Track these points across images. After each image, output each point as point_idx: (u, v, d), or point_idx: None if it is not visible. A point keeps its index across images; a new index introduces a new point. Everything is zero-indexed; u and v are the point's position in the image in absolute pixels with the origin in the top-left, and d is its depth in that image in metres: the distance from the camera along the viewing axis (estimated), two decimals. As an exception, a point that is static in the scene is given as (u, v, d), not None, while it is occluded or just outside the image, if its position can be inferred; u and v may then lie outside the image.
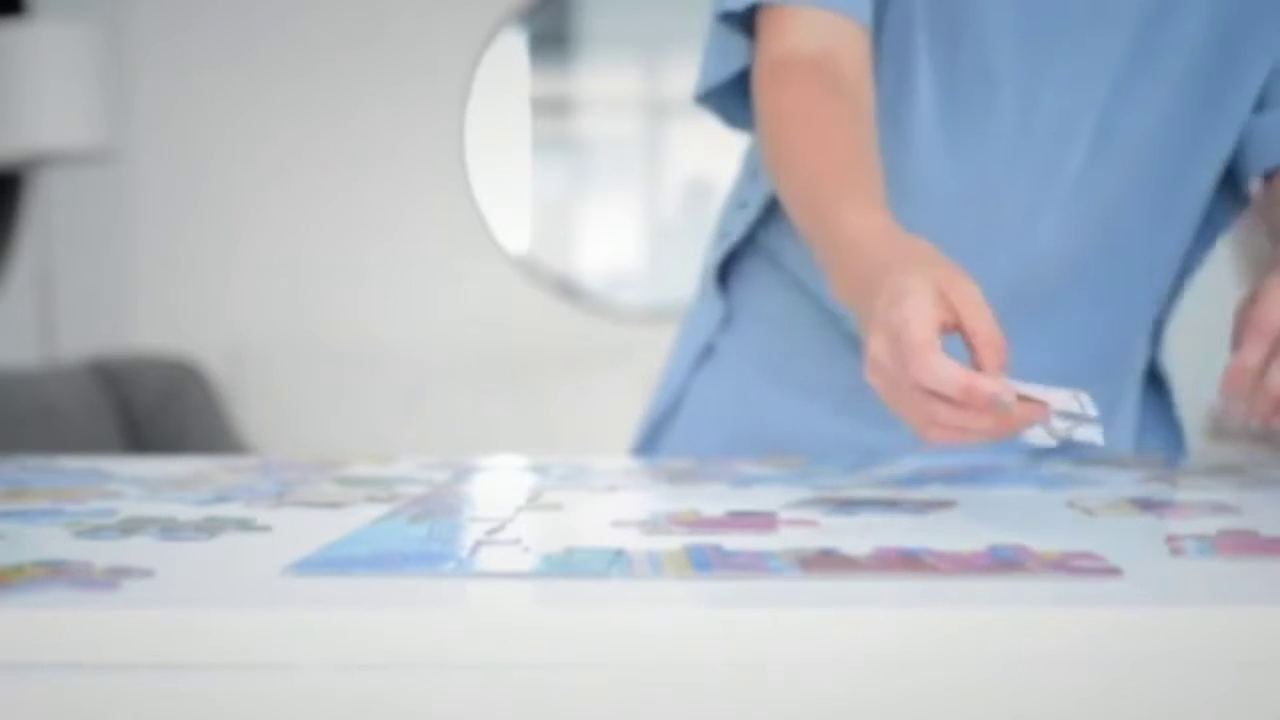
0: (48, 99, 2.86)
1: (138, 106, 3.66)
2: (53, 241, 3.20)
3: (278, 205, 3.72)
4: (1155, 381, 1.35)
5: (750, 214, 1.27)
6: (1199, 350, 3.67)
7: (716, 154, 2.75)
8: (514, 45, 3.75)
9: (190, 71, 3.71)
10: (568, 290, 3.71)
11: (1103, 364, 1.24)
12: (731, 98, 1.20)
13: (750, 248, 1.29)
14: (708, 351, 1.31)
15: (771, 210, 1.26)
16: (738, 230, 1.28)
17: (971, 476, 1.05)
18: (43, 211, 3.20)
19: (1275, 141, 1.20)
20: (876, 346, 0.84)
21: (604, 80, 3.96)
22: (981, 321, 0.83)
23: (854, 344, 1.21)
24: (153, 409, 3.11)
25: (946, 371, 0.80)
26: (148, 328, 3.66)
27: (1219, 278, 3.53)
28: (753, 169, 1.28)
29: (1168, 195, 1.20)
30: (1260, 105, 1.20)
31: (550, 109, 3.91)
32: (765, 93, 1.10)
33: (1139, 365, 1.30)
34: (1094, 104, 1.14)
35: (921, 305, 0.82)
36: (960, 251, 1.09)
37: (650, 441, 1.33)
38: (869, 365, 0.85)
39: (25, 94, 2.85)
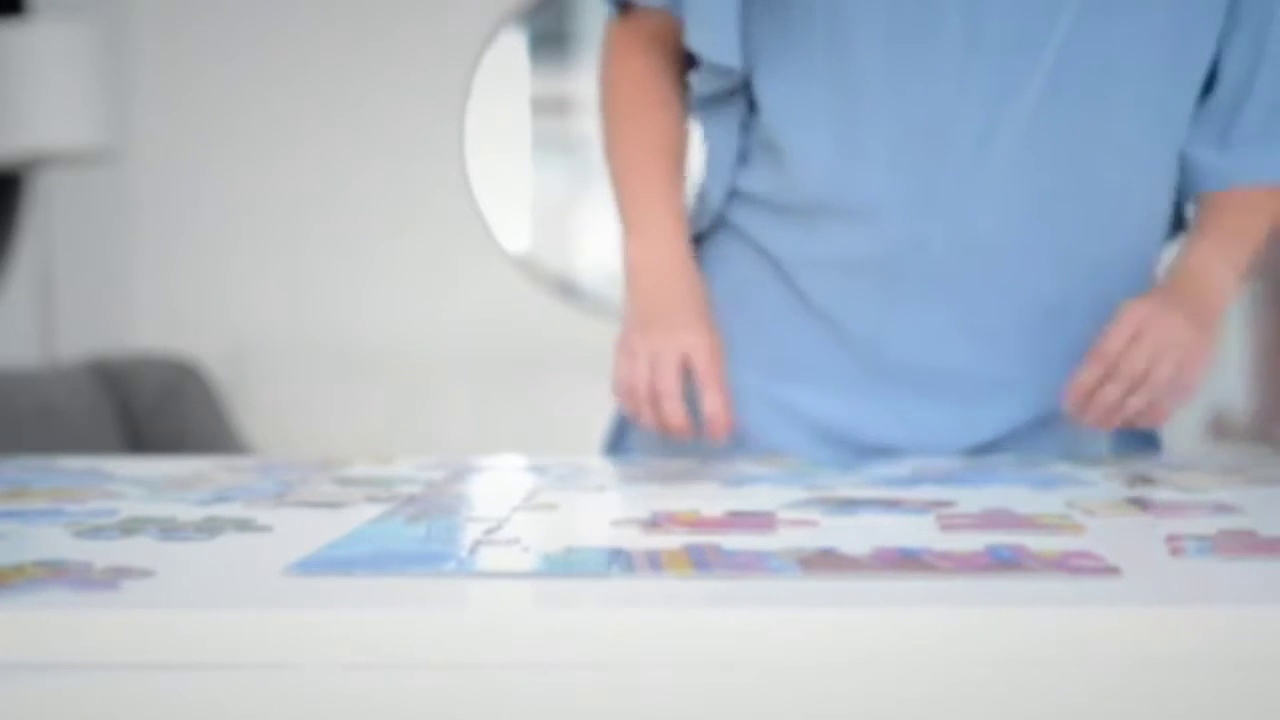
0: (48, 99, 2.85)
1: (138, 106, 3.66)
2: (53, 241, 3.20)
3: (278, 205, 3.72)
4: None
5: (709, 201, 1.29)
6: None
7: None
8: (514, 45, 3.74)
9: (190, 71, 3.71)
10: (568, 290, 3.71)
11: (1063, 323, 1.21)
12: None
13: (719, 224, 1.30)
14: None
15: (738, 194, 1.27)
16: (701, 218, 1.30)
17: (971, 476, 1.05)
18: (43, 211, 3.20)
19: (1202, 175, 1.22)
20: (638, 372, 1.18)
21: (604, 80, 3.94)
22: (709, 379, 1.16)
23: (818, 318, 1.23)
24: (153, 409, 3.11)
25: (677, 416, 1.16)
26: (148, 328, 3.66)
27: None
28: (710, 156, 1.30)
29: (1138, 140, 1.19)
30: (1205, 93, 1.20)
31: (550, 109, 3.91)
32: (617, 52, 1.28)
33: None
34: (1048, 30, 1.14)
35: (671, 365, 1.16)
36: (909, 181, 1.16)
37: (618, 438, 1.34)
38: (628, 378, 1.18)
39: (25, 94, 2.85)
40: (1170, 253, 1.26)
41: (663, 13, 1.24)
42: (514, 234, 3.75)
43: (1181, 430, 3.59)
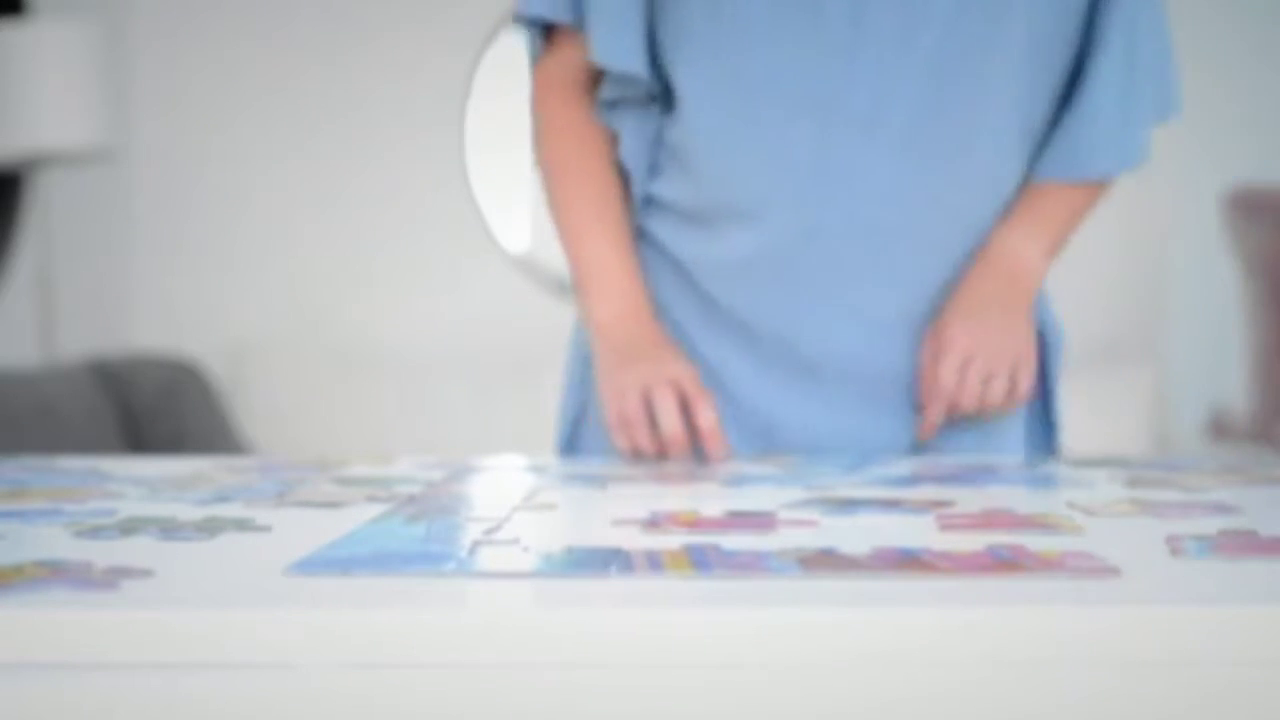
0: (48, 99, 2.85)
1: (138, 106, 3.66)
2: (53, 241, 3.20)
3: (278, 205, 3.72)
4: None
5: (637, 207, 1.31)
6: (1199, 350, 3.66)
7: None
8: (514, 45, 3.74)
9: (190, 71, 3.71)
10: (568, 290, 3.71)
11: None
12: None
13: (637, 234, 1.31)
14: None
15: (651, 202, 1.29)
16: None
17: (970, 476, 1.05)
18: (43, 211, 3.20)
19: (1058, 161, 1.26)
20: (630, 405, 1.17)
21: (604, 80, 3.94)
22: (701, 400, 1.17)
23: (729, 322, 1.25)
24: (153, 409, 3.11)
25: (676, 430, 1.16)
26: (147, 328, 3.66)
27: (1219, 278, 3.54)
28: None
29: (1006, 130, 1.22)
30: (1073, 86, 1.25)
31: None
32: (544, 102, 1.30)
33: None
34: (928, 31, 1.17)
35: (665, 388, 1.17)
36: (799, 172, 1.20)
37: (570, 443, 1.34)
38: (621, 413, 1.18)
39: (25, 94, 2.85)
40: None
41: (581, 49, 1.25)
42: (514, 234, 3.75)
43: (1182, 430, 3.60)
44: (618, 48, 1.22)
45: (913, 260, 1.22)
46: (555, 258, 4.33)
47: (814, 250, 1.21)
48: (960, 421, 1.25)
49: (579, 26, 1.25)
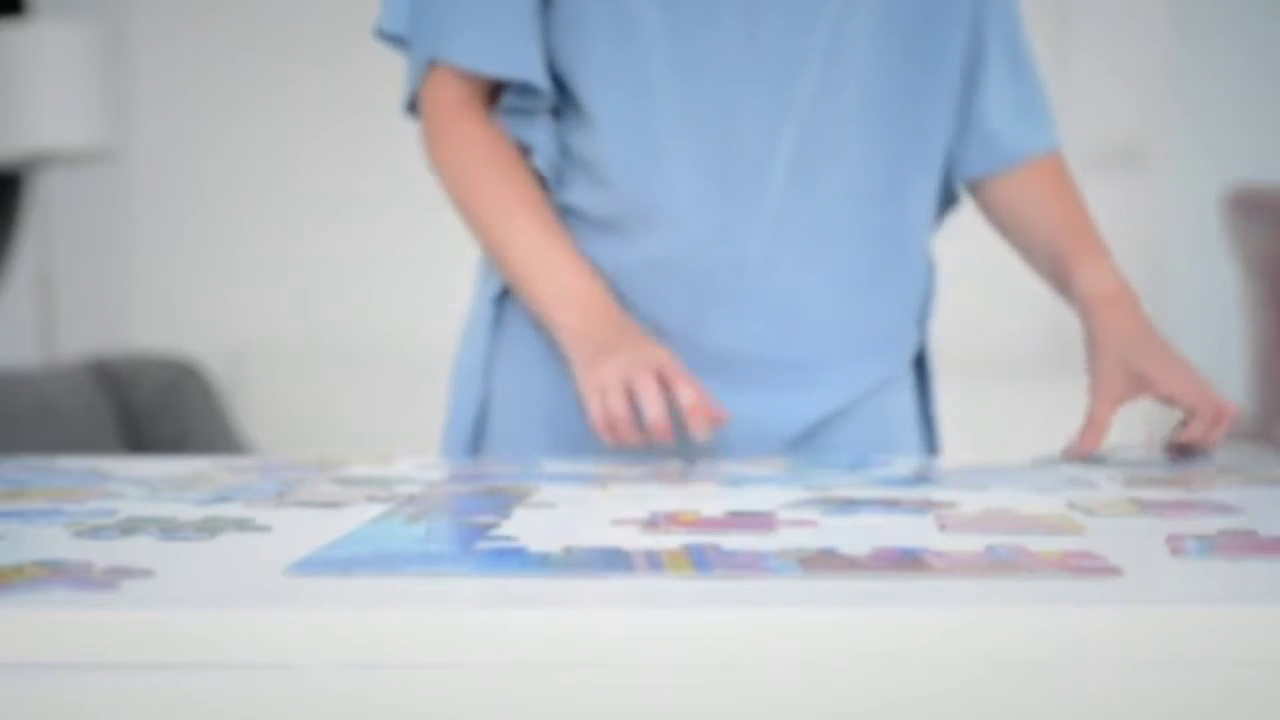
0: (48, 99, 2.85)
1: (138, 106, 3.66)
2: (53, 241, 3.20)
3: (278, 205, 3.72)
4: (922, 377, 1.38)
5: None
6: (1199, 351, 3.67)
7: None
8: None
9: (190, 71, 3.70)
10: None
11: (868, 304, 1.27)
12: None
13: None
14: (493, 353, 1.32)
15: (559, 211, 1.27)
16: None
17: (971, 477, 1.05)
18: (43, 211, 3.20)
19: (973, 155, 1.30)
20: (614, 402, 1.14)
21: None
22: (681, 378, 1.14)
23: (639, 323, 1.24)
24: (153, 409, 3.10)
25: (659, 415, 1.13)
26: (148, 328, 3.66)
27: (1219, 278, 3.53)
28: None
29: (903, 146, 1.25)
30: (965, 97, 1.29)
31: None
32: (439, 122, 1.27)
33: (907, 344, 1.33)
34: (818, 32, 1.20)
35: (647, 374, 1.14)
36: (708, 177, 1.22)
37: (473, 443, 1.31)
38: (604, 413, 1.14)
39: (25, 94, 2.85)
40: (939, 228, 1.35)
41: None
42: (514, 234, 3.74)
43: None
44: (511, 55, 1.22)
45: (823, 253, 1.24)
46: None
47: (728, 251, 1.22)
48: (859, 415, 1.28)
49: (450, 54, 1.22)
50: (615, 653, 0.61)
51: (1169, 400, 1.17)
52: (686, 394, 1.15)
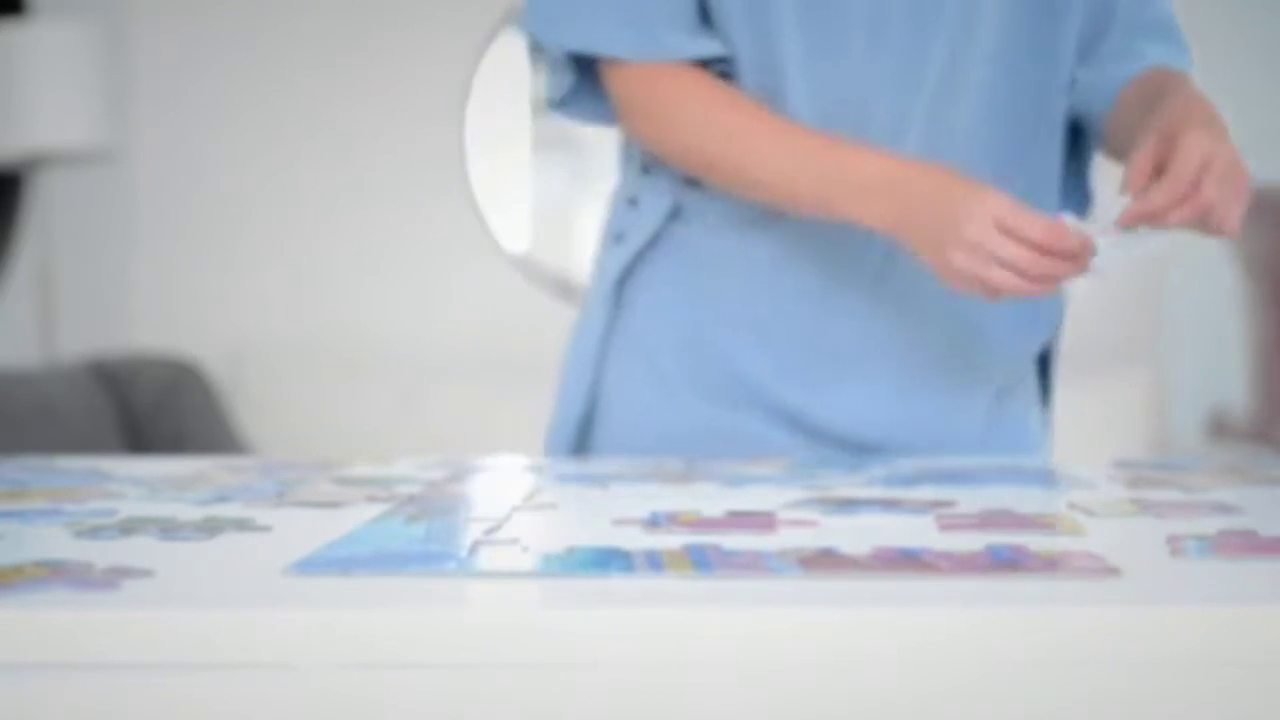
0: (48, 99, 2.85)
1: (138, 106, 3.66)
2: (53, 241, 3.20)
3: (278, 205, 3.72)
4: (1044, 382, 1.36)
5: (646, 213, 1.27)
6: (1198, 351, 3.66)
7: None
8: (514, 45, 3.74)
9: (190, 71, 3.71)
10: (568, 290, 3.71)
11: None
12: (588, 99, 1.27)
13: (651, 249, 1.27)
14: (604, 351, 1.29)
15: (677, 209, 1.25)
16: (637, 232, 1.27)
17: (970, 476, 1.05)
18: (43, 211, 3.20)
19: (1095, 94, 1.24)
20: (975, 230, 1.06)
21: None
22: (1023, 217, 1.06)
23: (755, 329, 1.23)
24: (153, 409, 3.10)
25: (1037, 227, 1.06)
26: (148, 328, 3.66)
27: (1219, 278, 3.53)
28: (643, 164, 1.28)
29: (1025, 134, 1.23)
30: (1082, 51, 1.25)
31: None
32: (651, 91, 1.20)
33: (1052, 322, 1.30)
34: (945, 14, 1.18)
35: (1007, 205, 1.07)
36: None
37: (577, 446, 1.30)
38: (961, 258, 1.07)
39: (25, 94, 2.85)
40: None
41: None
42: (514, 234, 3.75)
43: (1182, 430, 3.59)
44: (703, 36, 1.20)
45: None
46: (555, 258, 4.33)
47: (852, 240, 1.20)
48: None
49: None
50: (615, 653, 0.61)
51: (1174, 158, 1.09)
52: (1040, 230, 1.06)
